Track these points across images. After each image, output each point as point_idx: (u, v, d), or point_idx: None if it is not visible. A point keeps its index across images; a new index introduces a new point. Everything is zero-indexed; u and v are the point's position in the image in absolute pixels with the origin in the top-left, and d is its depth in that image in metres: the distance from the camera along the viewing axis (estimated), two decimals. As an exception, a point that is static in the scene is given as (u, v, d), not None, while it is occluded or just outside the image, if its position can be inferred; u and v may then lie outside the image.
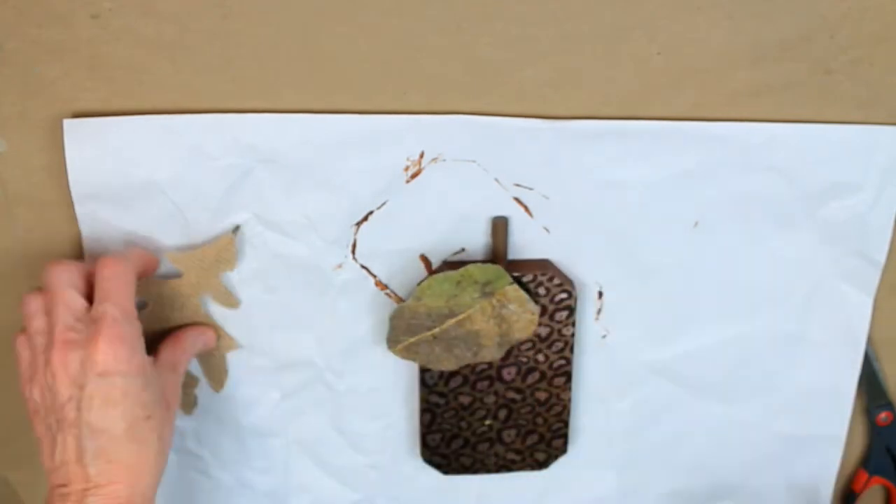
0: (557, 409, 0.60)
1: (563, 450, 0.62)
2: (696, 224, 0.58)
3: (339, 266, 0.56)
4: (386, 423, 0.61)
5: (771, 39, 0.53)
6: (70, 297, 0.48)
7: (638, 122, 0.54)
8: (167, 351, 0.54)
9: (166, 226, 0.53)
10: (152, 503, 0.48)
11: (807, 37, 0.53)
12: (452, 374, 0.58)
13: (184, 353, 0.55)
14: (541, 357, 0.58)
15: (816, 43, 0.53)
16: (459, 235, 0.56)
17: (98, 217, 0.53)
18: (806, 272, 0.60)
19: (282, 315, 0.57)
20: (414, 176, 0.54)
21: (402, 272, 0.57)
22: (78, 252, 0.54)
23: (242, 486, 0.62)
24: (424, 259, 0.57)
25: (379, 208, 0.55)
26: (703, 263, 0.59)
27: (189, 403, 0.59)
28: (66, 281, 0.49)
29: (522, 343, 0.58)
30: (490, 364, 0.58)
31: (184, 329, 0.56)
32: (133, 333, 0.48)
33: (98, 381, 0.46)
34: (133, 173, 0.52)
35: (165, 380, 0.52)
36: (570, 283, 0.57)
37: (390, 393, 0.60)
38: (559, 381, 0.59)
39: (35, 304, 0.49)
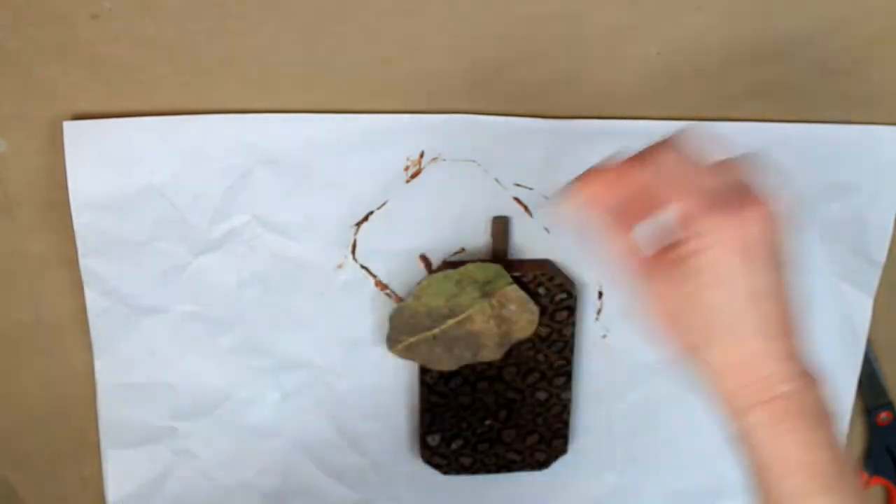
0: (557, 409, 0.60)
1: (563, 450, 0.62)
2: (696, 224, 0.57)
3: (340, 266, 0.56)
4: (386, 423, 0.61)
5: (771, 39, 0.53)
6: None
7: (638, 122, 0.54)
8: None
9: (166, 228, 0.53)
10: None
11: (807, 37, 0.53)
12: (452, 374, 0.58)
13: None
14: (541, 357, 0.58)
15: (816, 43, 0.53)
16: (459, 235, 0.56)
17: (97, 223, 0.53)
18: (806, 272, 0.60)
19: (282, 315, 0.57)
20: (414, 176, 0.54)
21: (402, 272, 0.57)
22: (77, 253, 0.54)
23: (242, 487, 0.62)
24: (424, 259, 0.57)
25: (379, 208, 0.55)
26: (703, 263, 0.59)
27: None
28: None
29: (522, 343, 0.58)
30: (490, 364, 0.58)
31: None
32: None
33: None
34: (133, 175, 0.52)
35: None
36: (571, 283, 0.57)
37: (390, 393, 0.60)
38: (559, 381, 0.59)
39: None
